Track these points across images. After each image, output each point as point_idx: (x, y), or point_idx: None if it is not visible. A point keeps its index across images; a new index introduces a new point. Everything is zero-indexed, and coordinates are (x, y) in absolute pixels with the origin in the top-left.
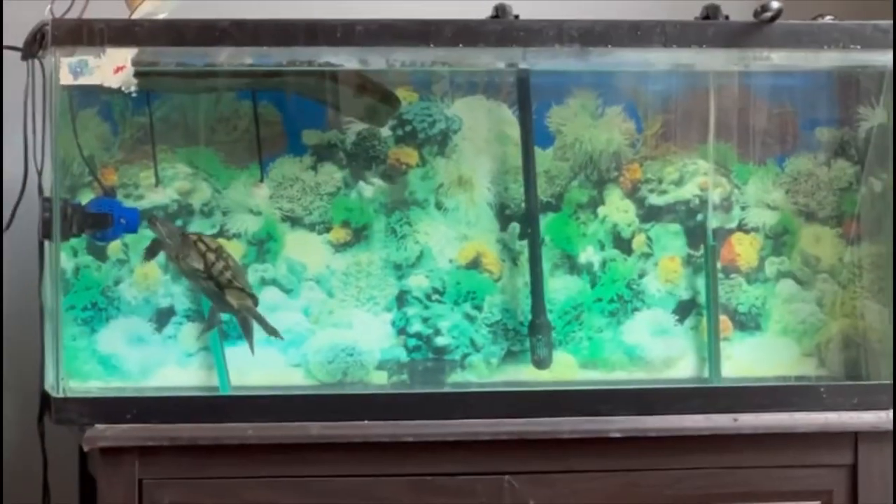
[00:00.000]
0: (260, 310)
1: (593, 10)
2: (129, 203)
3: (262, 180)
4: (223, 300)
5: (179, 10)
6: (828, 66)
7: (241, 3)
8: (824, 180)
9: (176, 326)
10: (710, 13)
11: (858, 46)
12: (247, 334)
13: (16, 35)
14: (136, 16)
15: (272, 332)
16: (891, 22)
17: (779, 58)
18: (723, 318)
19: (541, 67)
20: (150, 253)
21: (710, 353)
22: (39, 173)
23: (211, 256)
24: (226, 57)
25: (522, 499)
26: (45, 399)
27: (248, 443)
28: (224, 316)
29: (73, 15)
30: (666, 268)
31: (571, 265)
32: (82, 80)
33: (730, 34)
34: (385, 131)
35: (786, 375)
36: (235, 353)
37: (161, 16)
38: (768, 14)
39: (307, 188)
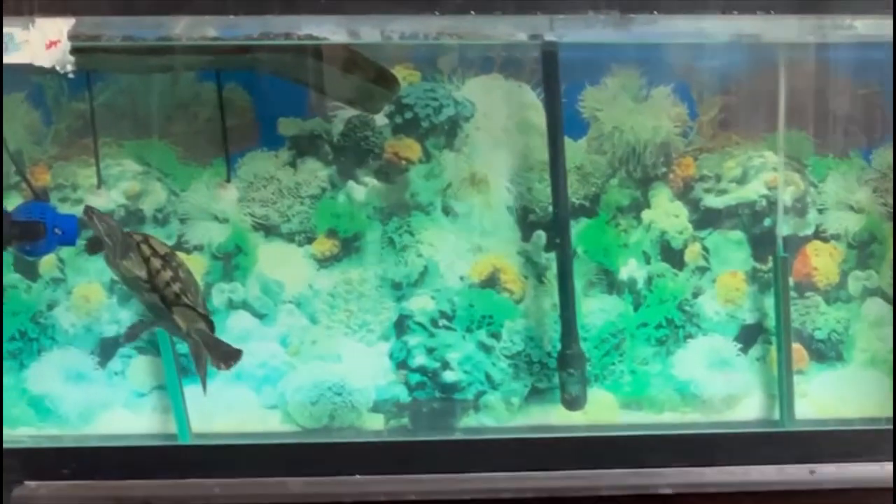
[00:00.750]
0: (226, 340)
1: None
2: (65, 209)
3: (228, 180)
4: (169, 319)
5: None
6: None
7: None
8: None
9: (124, 360)
10: None
11: None
12: (198, 366)
13: None
14: None
15: (226, 354)
16: None
17: (864, 26)
18: (796, 346)
19: (572, 39)
20: (92, 247)
21: (782, 390)
22: None
23: (156, 263)
24: (183, 28)
25: None
26: None
27: (215, 503)
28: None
29: None
30: (726, 285)
31: (610, 282)
32: (7, 59)
33: None
34: (380, 119)
35: (875, 417)
36: (198, 393)
37: None
38: None
39: (284, 189)
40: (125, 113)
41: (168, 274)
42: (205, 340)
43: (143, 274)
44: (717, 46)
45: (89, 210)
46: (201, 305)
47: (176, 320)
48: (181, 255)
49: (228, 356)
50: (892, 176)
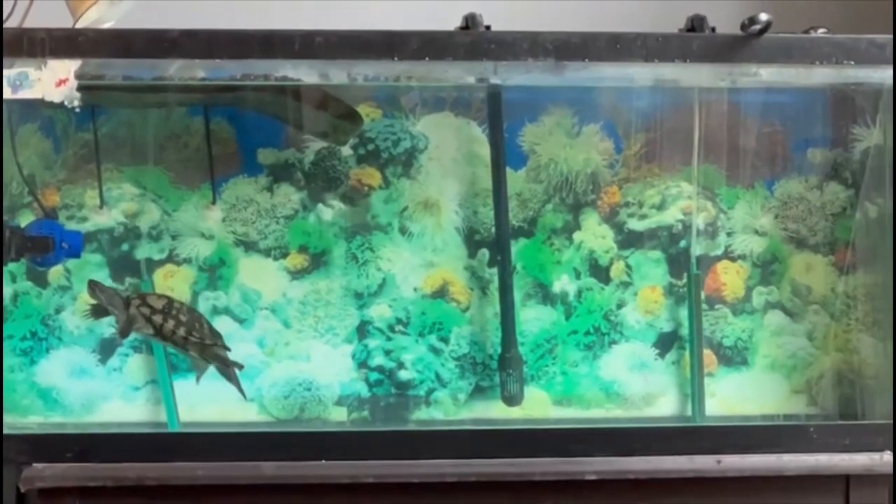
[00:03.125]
0: None
1: (570, 21)
2: (71, 225)
3: (214, 202)
4: (188, 356)
5: (128, 18)
6: (821, 82)
7: (197, 11)
8: (816, 205)
9: (121, 358)
10: (696, 25)
11: (853, 62)
12: (230, 379)
13: None
14: (80, 24)
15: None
16: (888, 37)
17: (768, 73)
18: (707, 352)
19: (513, 82)
20: (97, 313)
21: (694, 390)
22: None
23: (157, 319)
24: (176, 69)
25: None
26: None
27: (198, 483)
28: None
29: (13, 23)
30: (646, 298)
31: (545, 294)
32: (22, 94)
33: (716, 48)
34: (346, 150)
35: (774, 414)
36: (185, 387)
37: (107, 24)
38: (757, 27)
39: (262, 211)
40: (125, 142)
41: (171, 324)
42: (221, 361)
43: (150, 332)
44: (641, 90)
45: (92, 283)
46: (208, 335)
47: (192, 356)
48: (172, 268)
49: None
50: (791, 204)
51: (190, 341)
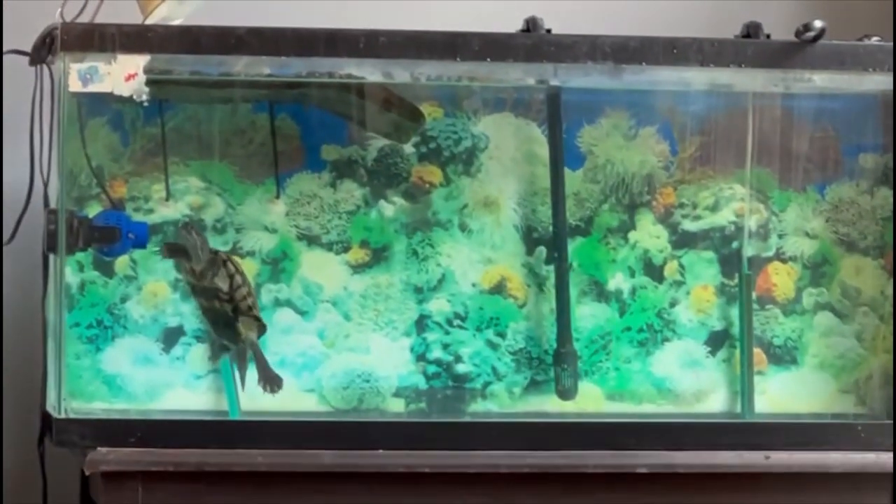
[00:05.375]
0: (273, 332)
1: (628, 26)
2: (138, 217)
3: (277, 196)
4: (231, 327)
5: (197, 15)
6: (873, 89)
7: (266, 8)
8: (866, 209)
9: (184, 347)
10: (751, 31)
11: None
12: (241, 367)
13: (23, 38)
14: (150, 20)
15: (270, 379)
16: None
17: (821, 80)
18: (757, 351)
19: (572, 85)
20: (171, 252)
21: (743, 387)
22: (45, 184)
23: (238, 279)
24: (242, 66)
25: None
26: (46, 420)
27: (258, 470)
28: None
29: (84, 18)
30: (698, 297)
31: (600, 292)
32: (92, 88)
33: (770, 54)
34: (408, 148)
35: (822, 412)
36: (249, 377)
37: (176, 21)
38: (811, 34)
39: (325, 206)
40: (191, 137)
41: (245, 290)
42: (258, 358)
43: (224, 287)
44: (696, 93)
45: (189, 224)
46: (260, 316)
47: (239, 328)
48: (237, 259)
49: (272, 381)
50: (842, 208)
51: (250, 313)
